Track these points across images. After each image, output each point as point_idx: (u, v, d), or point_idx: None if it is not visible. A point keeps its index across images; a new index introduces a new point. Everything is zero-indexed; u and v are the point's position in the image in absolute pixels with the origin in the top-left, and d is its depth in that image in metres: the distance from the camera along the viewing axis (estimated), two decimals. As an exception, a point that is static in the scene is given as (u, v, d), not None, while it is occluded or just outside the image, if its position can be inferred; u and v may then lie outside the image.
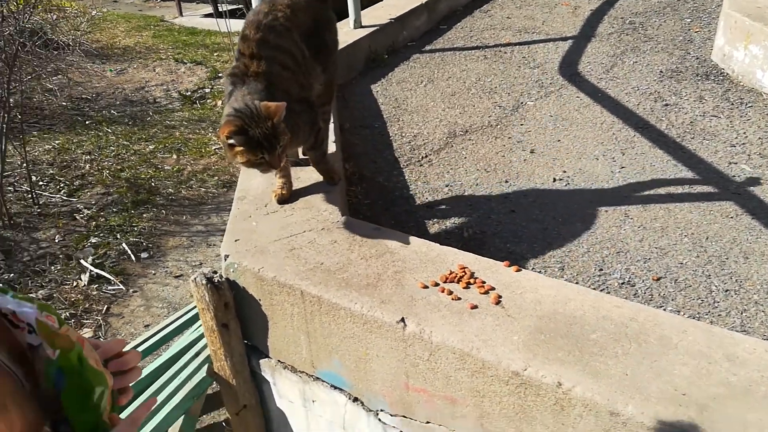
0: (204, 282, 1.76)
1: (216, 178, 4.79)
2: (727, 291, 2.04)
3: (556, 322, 1.50)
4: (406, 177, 2.82)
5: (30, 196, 4.22)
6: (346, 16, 4.10)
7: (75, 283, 3.54)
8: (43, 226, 4.01)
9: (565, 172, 2.76)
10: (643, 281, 2.11)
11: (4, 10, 4.30)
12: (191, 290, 1.83)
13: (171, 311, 3.34)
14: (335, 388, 1.81)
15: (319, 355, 1.78)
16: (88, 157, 4.97)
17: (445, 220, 2.50)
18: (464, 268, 1.69)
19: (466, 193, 2.66)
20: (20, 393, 0.74)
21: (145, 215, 4.23)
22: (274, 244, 1.86)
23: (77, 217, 4.14)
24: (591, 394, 1.30)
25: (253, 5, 2.78)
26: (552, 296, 1.58)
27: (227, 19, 6.82)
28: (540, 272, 2.12)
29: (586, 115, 3.24)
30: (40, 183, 4.49)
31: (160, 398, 2.18)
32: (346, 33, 4.02)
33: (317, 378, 1.84)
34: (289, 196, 2.10)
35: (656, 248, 2.25)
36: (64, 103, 6.06)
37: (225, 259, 1.84)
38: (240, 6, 6.87)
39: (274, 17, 1.90)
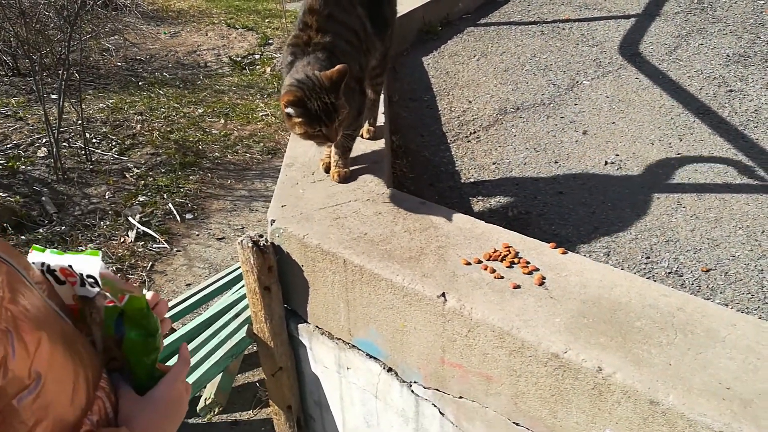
0: (250, 245, 1.79)
1: (261, 144, 4.84)
2: (780, 287, 1.96)
3: (599, 306, 1.47)
4: (453, 152, 2.79)
5: (84, 152, 4.35)
6: (401, -15, 4.04)
7: (122, 239, 3.65)
8: (94, 182, 4.14)
9: (617, 155, 2.68)
10: (691, 272, 2.04)
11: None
12: (237, 252, 1.86)
13: (212, 272, 3.42)
14: (370, 357, 1.83)
15: (356, 324, 1.80)
16: (140, 117, 5.08)
17: (489, 199, 2.47)
18: (509, 247, 1.67)
19: (513, 172, 2.62)
20: (84, 340, 0.77)
21: (191, 177, 4.31)
22: (320, 212, 1.87)
23: (127, 176, 4.26)
24: (631, 381, 1.27)
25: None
26: (597, 281, 1.55)
27: (280, -15, 6.81)
28: (585, 256, 2.08)
29: (644, 98, 3.13)
30: (94, 140, 4.63)
31: (201, 354, 2.25)
32: (401, 3, 3.93)
33: (353, 346, 1.86)
34: (350, 175, 2.05)
35: (708, 239, 2.18)
36: (119, 64, 6.19)
37: (271, 224, 1.86)
38: (294, -28, 6.85)
39: None
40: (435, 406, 1.71)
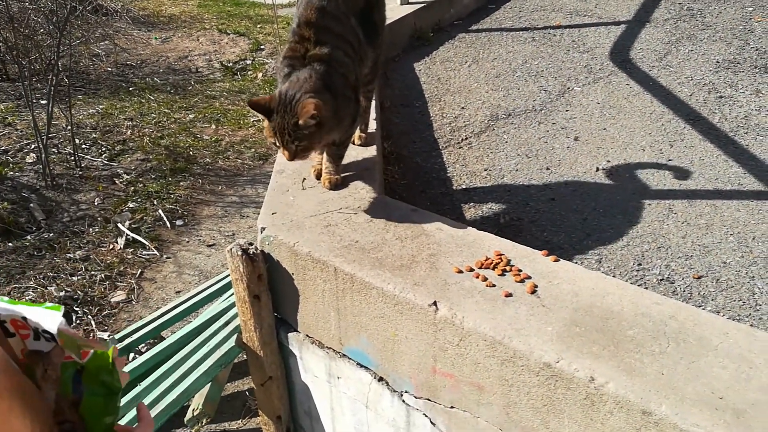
0: (239, 253, 1.77)
1: (253, 150, 4.82)
2: (772, 294, 1.96)
3: (592, 315, 1.46)
4: (445, 159, 2.78)
5: (73, 158, 4.31)
6: (392, -9, 4.04)
7: (111, 246, 3.62)
8: (83, 188, 4.10)
9: (609, 161, 2.68)
10: (683, 279, 2.04)
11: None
12: (226, 260, 1.84)
13: (202, 279, 3.39)
14: (361, 366, 1.81)
15: (347, 333, 1.78)
16: (130, 123, 5.04)
17: (481, 205, 2.46)
18: (501, 254, 1.66)
19: (505, 179, 2.61)
20: (41, 395, 0.71)
21: (182, 183, 4.28)
22: (310, 220, 1.86)
23: (117, 182, 4.22)
24: (624, 391, 1.26)
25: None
26: (590, 289, 1.54)
27: (272, -9, 6.81)
28: (577, 263, 2.07)
29: (635, 104, 3.13)
30: (83, 146, 4.59)
31: (189, 364, 2.23)
32: (392, 9, 3.96)
33: (344, 355, 1.84)
34: (341, 182, 2.04)
35: (699, 245, 2.17)
36: (110, 69, 6.15)
37: (261, 232, 1.84)
38: (285, -22, 6.85)
39: (335, 3, 1.85)
40: (426, 416, 1.69)
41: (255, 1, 8.49)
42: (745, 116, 2.97)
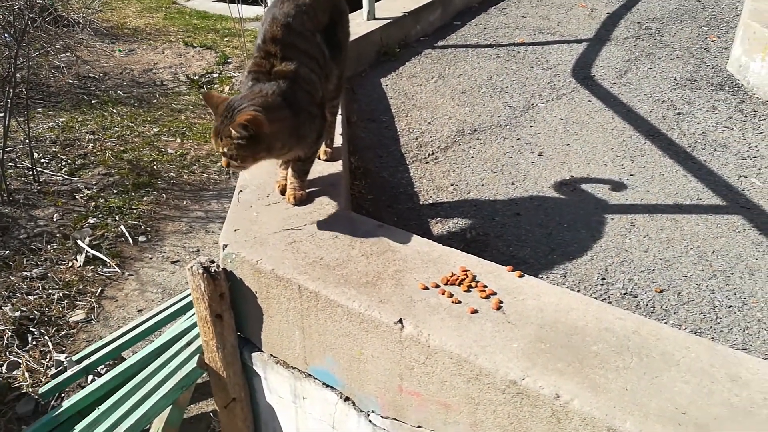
0: (200, 271, 1.72)
1: (219, 164, 4.75)
2: (730, 307, 2.00)
3: (557, 331, 1.46)
4: (412, 174, 2.78)
5: (31, 173, 4.19)
6: (359, 7, 4.05)
7: (70, 263, 3.51)
8: (42, 204, 3.98)
9: (572, 176, 2.72)
10: (645, 293, 2.07)
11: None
12: (187, 279, 1.79)
13: (166, 297, 3.31)
14: (327, 386, 1.78)
15: (312, 352, 1.75)
16: (92, 136, 4.93)
17: (448, 220, 2.46)
18: (466, 270, 1.65)
19: (471, 194, 2.62)
20: None
21: (145, 198, 4.19)
22: (274, 236, 1.82)
23: (77, 197, 4.11)
24: (589, 408, 1.26)
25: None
26: (554, 304, 1.54)
27: (239, 5, 6.77)
28: (542, 278, 2.08)
29: (597, 120, 3.19)
30: (42, 160, 4.46)
31: (149, 387, 2.16)
32: (359, 24, 3.97)
33: (309, 375, 1.81)
34: (306, 197, 2.02)
35: (661, 259, 2.21)
36: (71, 81, 6.02)
37: (223, 249, 1.80)
38: (252, -8, 6.83)
39: (300, 21, 1.84)
40: (393, 435, 1.67)
41: (222, 15, 8.44)
42: (703, 132, 3.05)
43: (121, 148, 4.80)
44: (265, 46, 1.80)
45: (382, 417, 1.67)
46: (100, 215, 3.95)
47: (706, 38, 4.13)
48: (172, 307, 2.77)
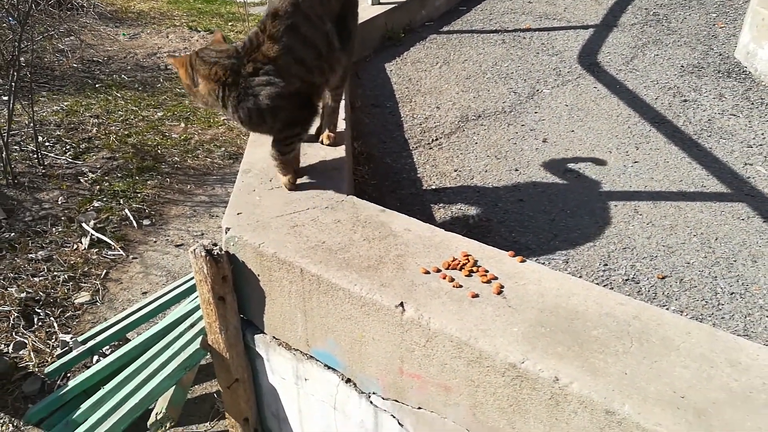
0: (203, 254, 1.73)
1: (223, 149, 4.75)
2: (732, 294, 2.00)
3: (557, 316, 1.46)
4: (415, 159, 2.78)
5: (35, 156, 4.20)
6: (364, -9, 4.03)
7: (75, 246, 3.53)
8: (46, 187, 3.99)
9: (576, 163, 2.71)
10: (647, 279, 2.07)
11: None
12: (190, 261, 1.80)
13: (170, 280, 3.33)
14: (328, 368, 1.79)
15: (314, 334, 1.76)
16: (96, 120, 4.93)
17: (451, 206, 2.46)
18: (468, 255, 1.66)
19: (474, 180, 2.62)
20: None
21: (149, 182, 4.20)
22: (277, 220, 1.83)
23: (81, 180, 4.12)
24: (588, 391, 1.27)
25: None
26: (555, 289, 1.55)
27: (243, -11, 6.73)
28: (544, 264, 2.09)
29: (602, 107, 3.18)
30: (47, 144, 4.47)
31: (153, 367, 2.18)
32: (363, 9, 3.94)
33: (311, 357, 1.82)
34: (293, 182, 2.01)
35: (664, 246, 2.21)
36: (75, 65, 6.01)
37: (226, 232, 1.81)
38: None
39: (311, 3, 1.80)
40: (394, 417, 1.69)
41: (226, -1, 8.40)
42: (709, 120, 3.03)
43: (125, 132, 4.80)
44: (266, 20, 1.78)
45: (383, 398, 1.68)
46: (104, 199, 3.96)
47: (714, 25, 4.09)
48: (176, 290, 2.79)
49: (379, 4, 4.06)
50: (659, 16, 4.28)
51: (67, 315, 3.06)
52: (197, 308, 2.48)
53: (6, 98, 4.29)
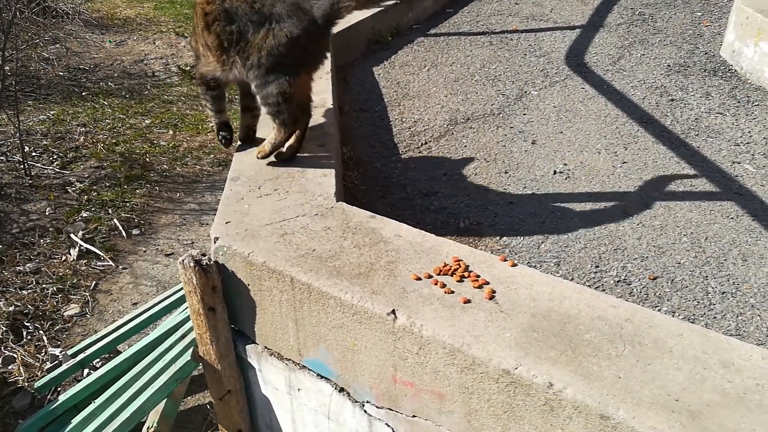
0: (192, 264, 1.71)
1: (212, 156, 4.72)
2: (723, 293, 2.01)
3: (549, 320, 1.46)
4: (405, 163, 2.77)
5: (22, 166, 4.15)
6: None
7: (64, 258, 3.49)
8: (33, 197, 3.95)
9: (566, 164, 2.72)
10: (639, 280, 2.07)
11: (1, -25, 4.21)
12: (179, 272, 1.78)
13: (160, 290, 3.30)
14: (321, 377, 1.78)
15: (306, 344, 1.75)
16: (83, 129, 4.89)
17: (441, 210, 2.45)
18: (459, 260, 1.65)
19: (464, 183, 2.62)
20: None
21: (138, 191, 4.17)
22: (266, 228, 1.82)
23: (69, 190, 4.08)
24: (582, 396, 1.27)
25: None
26: (547, 293, 1.54)
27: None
28: (535, 267, 2.08)
29: (590, 108, 3.19)
30: (33, 154, 4.42)
31: (144, 380, 2.16)
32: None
33: (303, 366, 1.81)
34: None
35: (654, 247, 2.21)
36: (61, 73, 5.96)
37: (215, 242, 1.79)
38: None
39: None
40: (388, 425, 1.67)
41: (213, 4, 8.35)
42: (696, 119, 3.04)
43: (113, 141, 4.76)
44: None
45: (377, 407, 1.67)
46: (92, 208, 3.92)
47: (699, 24, 4.11)
48: (166, 300, 2.76)
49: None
50: (645, 15, 4.31)
51: (57, 328, 3.03)
52: (188, 319, 2.45)
53: (-10, 109, 4.24)
